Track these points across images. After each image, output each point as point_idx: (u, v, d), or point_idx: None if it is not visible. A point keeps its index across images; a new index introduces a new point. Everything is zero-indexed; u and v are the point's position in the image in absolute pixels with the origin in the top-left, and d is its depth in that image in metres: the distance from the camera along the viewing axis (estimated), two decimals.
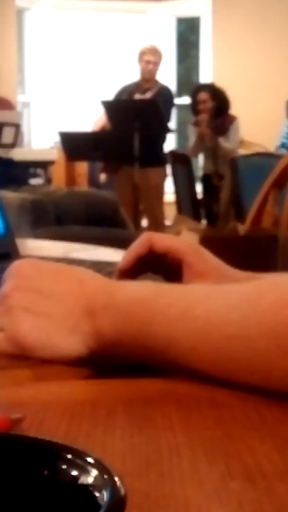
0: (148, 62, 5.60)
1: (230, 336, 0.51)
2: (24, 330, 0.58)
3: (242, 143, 5.91)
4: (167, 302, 0.55)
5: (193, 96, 5.79)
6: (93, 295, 0.58)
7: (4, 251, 0.99)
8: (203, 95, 5.68)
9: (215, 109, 5.62)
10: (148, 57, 5.63)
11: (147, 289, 0.59)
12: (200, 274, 0.72)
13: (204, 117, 5.60)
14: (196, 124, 5.74)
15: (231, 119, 5.74)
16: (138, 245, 0.75)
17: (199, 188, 5.59)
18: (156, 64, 5.66)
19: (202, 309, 0.54)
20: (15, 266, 0.63)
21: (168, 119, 5.31)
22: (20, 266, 0.63)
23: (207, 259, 0.74)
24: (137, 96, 5.54)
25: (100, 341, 0.56)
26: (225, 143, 5.59)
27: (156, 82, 5.68)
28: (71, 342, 0.57)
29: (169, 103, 5.46)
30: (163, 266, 0.76)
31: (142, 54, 5.68)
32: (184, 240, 0.81)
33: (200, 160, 6.01)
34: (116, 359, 0.57)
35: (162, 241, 0.75)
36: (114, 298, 0.58)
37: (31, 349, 0.58)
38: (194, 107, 5.75)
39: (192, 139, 5.78)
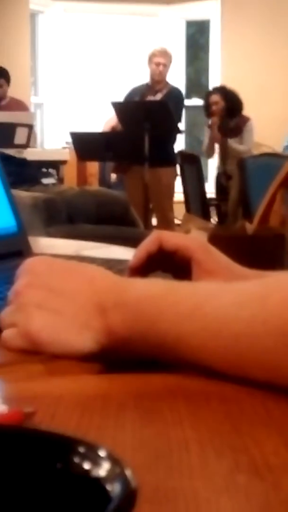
0: (158, 64, 5.60)
1: (238, 333, 0.52)
2: (36, 326, 0.59)
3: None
4: (177, 300, 0.56)
5: (206, 98, 5.81)
6: (104, 292, 0.59)
7: (17, 249, 1.00)
8: (215, 97, 5.69)
9: (227, 110, 5.63)
10: (158, 59, 5.62)
11: (156, 286, 0.59)
12: (209, 272, 0.73)
13: (214, 120, 5.62)
14: (209, 127, 5.76)
15: (245, 120, 5.75)
16: (149, 243, 0.76)
17: (208, 187, 5.59)
18: (166, 66, 5.65)
19: (211, 307, 0.54)
20: (28, 263, 0.63)
21: (178, 120, 5.31)
22: (33, 263, 0.63)
23: (216, 257, 0.75)
24: (148, 98, 5.54)
25: (111, 337, 0.57)
26: (236, 145, 5.59)
27: (166, 83, 5.67)
28: (82, 338, 0.58)
29: (179, 104, 5.46)
30: (172, 264, 0.76)
31: (152, 56, 5.68)
32: (193, 238, 0.81)
33: (214, 161, 6.02)
34: (126, 355, 0.57)
35: (172, 239, 0.75)
36: (124, 296, 0.58)
37: (43, 345, 0.58)
38: (207, 110, 5.76)
39: (206, 140, 5.80)
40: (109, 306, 0.58)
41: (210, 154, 5.90)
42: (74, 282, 0.61)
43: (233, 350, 0.52)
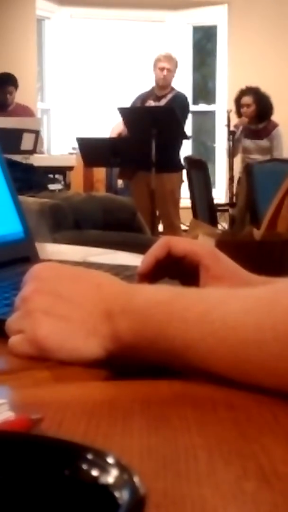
0: (162, 69, 5.61)
1: (246, 339, 0.52)
2: (44, 332, 0.59)
3: None
4: (184, 306, 0.56)
5: (237, 99, 5.81)
6: (111, 299, 0.59)
7: (24, 255, 1.00)
8: (247, 99, 5.69)
9: (257, 114, 5.64)
10: (163, 64, 5.63)
11: (164, 293, 0.59)
12: (217, 278, 0.73)
13: (243, 120, 5.63)
14: (236, 127, 5.77)
15: (274, 125, 5.76)
16: (157, 249, 0.76)
17: (215, 193, 5.60)
18: (171, 71, 5.66)
19: (218, 313, 0.54)
20: (35, 269, 0.63)
21: (183, 125, 5.32)
22: (40, 269, 0.64)
23: (224, 263, 0.75)
24: (153, 103, 5.54)
25: (118, 344, 0.57)
26: (262, 142, 5.61)
27: (172, 89, 5.68)
28: (89, 345, 0.58)
29: (184, 110, 5.47)
30: (180, 271, 0.76)
31: (157, 61, 5.69)
32: (201, 244, 0.82)
33: (221, 166, 6.03)
34: (133, 361, 0.57)
35: (180, 244, 0.76)
36: (132, 302, 0.58)
37: (51, 351, 0.58)
38: (238, 110, 5.77)
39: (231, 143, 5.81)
40: (116, 312, 0.58)
41: (234, 154, 5.90)
42: (81, 289, 0.61)
43: (241, 356, 0.52)
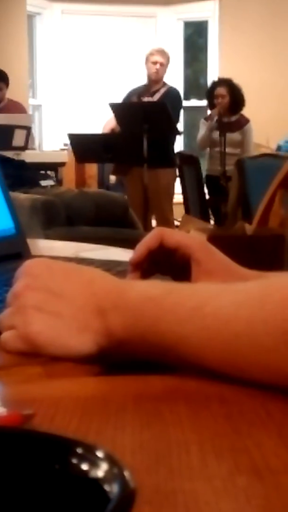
0: (155, 62, 5.60)
1: (238, 333, 0.52)
2: (36, 328, 0.59)
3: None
4: (176, 301, 0.56)
5: (211, 90, 5.79)
6: (103, 294, 0.59)
7: (16, 251, 1.00)
8: (220, 90, 5.68)
9: (230, 105, 5.62)
10: (156, 58, 5.63)
11: (156, 288, 0.59)
12: (208, 272, 0.73)
13: (216, 112, 5.61)
14: (208, 118, 5.75)
15: (246, 120, 5.75)
16: (150, 239, 0.76)
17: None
18: (163, 65, 5.65)
19: (211, 308, 0.54)
20: (27, 265, 0.63)
21: (176, 121, 5.32)
22: (32, 265, 0.63)
23: (217, 257, 0.75)
24: (145, 99, 5.54)
25: (110, 339, 0.57)
26: (234, 135, 5.60)
27: (164, 84, 5.67)
28: (81, 340, 0.58)
29: (177, 105, 5.47)
30: (172, 266, 0.76)
31: (149, 55, 5.69)
32: (194, 237, 0.81)
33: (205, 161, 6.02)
34: (125, 357, 0.57)
35: (173, 236, 0.76)
36: (123, 297, 0.58)
37: (43, 347, 0.58)
38: (211, 101, 5.75)
39: (202, 131, 5.79)
40: (108, 307, 0.58)
41: (205, 146, 5.89)
42: (72, 284, 0.61)
43: (233, 349, 0.52)
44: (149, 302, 0.57)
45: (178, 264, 0.75)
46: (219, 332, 0.53)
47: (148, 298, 0.57)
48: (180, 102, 5.68)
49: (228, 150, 5.48)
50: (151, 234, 0.77)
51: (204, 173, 5.74)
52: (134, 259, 0.76)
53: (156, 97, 5.56)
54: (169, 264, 0.76)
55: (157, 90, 5.60)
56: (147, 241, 0.76)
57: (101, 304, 0.58)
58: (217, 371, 0.53)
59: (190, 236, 0.81)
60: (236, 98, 5.65)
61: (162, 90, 5.60)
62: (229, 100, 5.63)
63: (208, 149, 5.85)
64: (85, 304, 0.59)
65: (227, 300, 0.54)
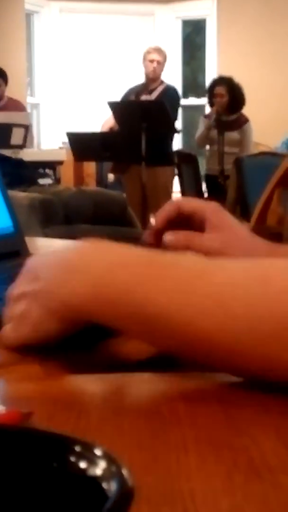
0: (152, 60, 5.60)
1: (234, 315, 0.49)
2: (29, 314, 0.58)
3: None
4: (159, 273, 0.53)
5: (210, 89, 5.78)
6: (78, 257, 0.58)
7: (14, 249, 1.00)
8: (220, 89, 5.67)
9: (229, 105, 5.61)
10: (153, 56, 5.62)
11: (135, 254, 0.57)
12: (216, 228, 0.79)
13: (214, 110, 5.60)
14: (208, 116, 5.74)
15: (245, 120, 5.74)
16: (168, 208, 0.83)
17: (204, 187, 5.60)
18: (161, 63, 5.65)
19: (201, 284, 0.51)
20: (28, 263, 0.63)
21: (174, 119, 5.31)
22: (32, 262, 0.63)
23: (226, 217, 0.82)
24: (143, 97, 5.53)
25: (75, 301, 0.55)
26: (233, 134, 5.59)
27: (162, 82, 5.67)
28: (47, 324, 0.57)
29: (175, 103, 5.46)
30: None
31: (147, 53, 5.68)
32: (208, 203, 0.86)
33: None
34: (96, 321, 0.55)
35: (189, 203, 0.83)
36: (96, 260, 0.56)
37: (27, 335, 0.58)
38: (210, 99, 5.74)
39: (201, 130, 5.78)
40: (77, 266, 0.56)
41: (204, 143, 5.88)
42: (48, 262, 0.60)
43: (228, 330, 0.49)
44: (123, 268, 0.54)
45: (194, 231, 0.80)
46: (211, 311, 0.49)
47: (122, 264, 0.55)
48: (178, 100, 5.68)
49: (227, 149, 5.48)
50: (168, 204, 0.82)
51: (204, 172, 5.74)
52: (154, 228, 0.81)
53: (154, 95, 5.56)
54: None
55: (155, 88, 5.60)
56: (166, 211, 0.82)
57: (67, 265, 0.57)
58: (197, 355, 0.50)
59: (205, 202, 0.87)
60: (235, 97, 5.63)
61: (160, 88, 5.59)
62: (228, 99, 5.61)
63: (208, 147, 5.85)
64: (52, 272, 0.58)
65: (221, 279, 0.51)
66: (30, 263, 0.62)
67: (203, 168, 5.84)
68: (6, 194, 1.05)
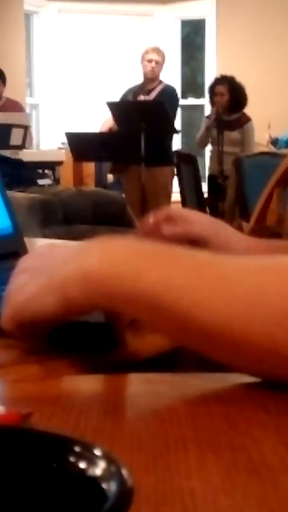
0: (150, 60, 5.60)
1: (246, 298, 0.49)
2: (16, 289, 0.58)
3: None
4: (172, 256, 0.54)
5: (211, 88, 5.77)
6: (86, 244, 0.58)
7: (13, 250, 1.00)
8: (220, 88, 5.66)
9: (230, 104, 5.60)
10: (151, 56, 5.62)
11: (143, 244, 0.57)
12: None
13: (214, 111, 5.60)
14: (209, 116, 5.74)
15: (247, 119, 5.73)
16: (158, 214, 0.91)
17: (204, 187, 5.59)
18: (159, 63, 5.65)
19: (214, 269, 0.51)
20: (23, 260, 0.63)
21: (173, 118, 5.31)
22: (28, 258, 0.63)
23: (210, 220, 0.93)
24: (142, 97, 5.54)
25: (83, 281, 0.53)
26: (234, 134, 5.58)
27: (160, 82, 5.67)
28: (46, 301, 0.55)
29: (174, 103, 5.46)
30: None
31: (145, 53, 5.69)
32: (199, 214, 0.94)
33: (206, 160, 6.00)
34: (103, 305, 0.55)
35: (178, 209, 0.93)
36: (106, 245, 0.56)
37: (19, 309, 0.57)
38: (211, 99, 5.73)
39: (202, 130, 5.78)
40: (85, 249, 0.56)
41: (204, 144, 5.88)
42: (60, 252, 0.60)
43: (238, 311, 0.49)
44: (140, 250, 0.55)
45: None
46: (221, 293, 0.49)
47: (139, 246, 0.55)
48: (177, 100, 5.68)
49: (228, 149, 5.47)
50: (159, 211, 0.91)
51: (207, 172, 5.74)
52: (142, 227, 0.90)
53: (152, 96, 5.56)
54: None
55: (153, 88, 5.60)
56: (154, 213, 0.91)
57: (80, 246, 0.57)
58: (201, 340, 0.50)
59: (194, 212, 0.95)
60: (236, 96, 5.62)
61: (159, 88, 5.59)
62: (228, 99, 5.60)
63: (210, 148, 5.84)
64: (63, 253, 0.58)
65: (233, 265, 0.52)
66: (42, 248, 0.62)
67: (202, 169, 5.83)
68: (6, 194, 1.05)
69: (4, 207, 1.04)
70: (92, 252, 0.55)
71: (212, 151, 5.81)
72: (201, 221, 0.89)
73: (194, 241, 0.88)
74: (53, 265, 0.57)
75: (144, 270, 0.52)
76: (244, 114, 5.76)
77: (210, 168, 5.84)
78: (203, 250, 0.57)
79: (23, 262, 0.61)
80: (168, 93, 5.54)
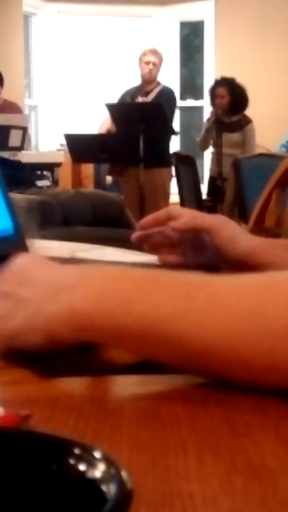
0: (148, 62, 5.60)
1: (239, 318, 0.48)
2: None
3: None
4: (159, 282, 0.53)
5: (212, 90, 5.77)
6: (68, 273, 0.57)
7: (13, 252, 0.99)
8: (221, 90, 5.65)
9: (230, 106, 5.59)
10: (149, 58, 5.63)
11: (132, 270, 0.57)
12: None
13: (213, 112, 5.60)
14: (209, 119, 5.74)
15: (248, 120, 5.73)
16: (159, 212, 0.91)
17: (203, 189, 5.59)
18: (156, 65, 5.65)
19: (205, 292, 0.51)
20: (11, 265, 0.61)
21: (171, 120, 5.31)
22: (15, 263, 0.62)
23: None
24: (140, 99, 5.54)
25: (72, 318, 0.53)
26: (234, 135, 5.58)
27: (158, 83, 5.67)
28: (32, 333, 0.55)
29: (172, 104, 5.46)
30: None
31: (143, 55, 5.69)
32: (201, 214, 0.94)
33: (205, 162, 6.00)
34: (94, 338, 0.54)
35: (178, 208, 0.92)
36: (91, 275, 0.55)
37: (7, 337, 0.56)
38: (212, 101, 5.73)
39: (203, 132, 5.78)
40: (71, 283, 0.55)
41: (204, 146, 5.88)
42: (41, 272, 0.58)
43: (232, 334, 0.49)
44: (123, 280, 0.54)
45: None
46: (217, 314, 0.49)
47: (122, 277, 0.55)
48: (175, 101, 5.68)
49: (229, 150, 5.47)
50: (161, 210, 0.91)
51: (208, 174, 5.74)
52: (141, 223, 0.90)
53: (150, 97, 5.56)
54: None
55: (151, 90, 5.60)
56: (156, 213, 0.91)
57: (60, 285, 0.55)
58: (202, 362, 0.50)
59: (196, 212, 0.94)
60: (237, 98, 5.62)
61: (156, 90, 5.60)
62: (229, 100, 5.60)
63: (212, 149, 5.84)
64: (44, 286, 0.56)
65: (224, 285, 0.52)
66: (20, 263, 0.61)
67: (201, 170, 5.83)
68: (7, 196, 1.04)
69: (5, 208, 1.04)
70: (76, 289, 0.54)
71: (213, 153, 5.81)
72: (204, 215, 0.90)
73: (200, 243, 0.88)
74: (36, 299, 0.55)
75: (131, 303, 0.52)
76: (245, 116, 5.75)
77: (211, 170, 5.83)
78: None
79: (3, 283, 0.59)
80: (166, 95, 5.54)
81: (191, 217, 0.89)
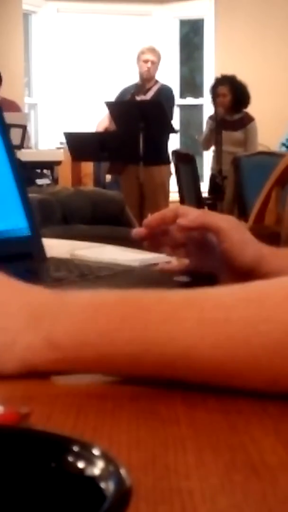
0: (146, 61, 5.60)
1: (232, 335, 0.48)
2: None
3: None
4: (141, 306, 0.51)
5: (213, 88, 5.76)
6: (39, 302, 0.53)
7: (25, 252, 0.97)
8: (222, 89, 5.64)
9: (232, 104, 5.58)
10: (147, 56, 5.63)
11: (111, 294, 0.53)
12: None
13: (219, 110, 5.59)
14: (212, 117, 5.73)
15: (250, 118, 5.72)
16: (166, 210, 0.85)
17: (203, 187, 5.59)
18: (155, 63, 5.65)
19: (191, 312, 0.50)
20: None
21: (170, 118, 5.32)
22: None
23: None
24: (138, 97, 5.54)
25: (52, 351, 0.51)
26: (236, 134, 5.57)
27: (156, 81, 5.67)
28: (5, 358, 0.52)
29: (170, 102, 5.46)
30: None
31: (141, 53, 5.69)
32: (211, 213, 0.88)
33: (209, 160, 6.00)
34: (76, 371, 0.52)
35: (184, 207, 0.84)
36: (66, 304, 0.52)
37: None
38: (214, 100, 5.72)
39: (205, 131, 5.77)
40: (46, 315, 0.52)
41: (207, 145, 5.88)
42: (4, 294, 0.54)
43: (227, 351, 0.48)
44: (102, 309, 0.51)
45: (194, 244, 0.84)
46: (208, 335, 0.48)
47: (100, 305, 0.52)
48: (173, 99, 5.68)
49: (231, 149, 5.46)
50: (168, 207, 0.87)
51: (209, 171, 5.73)
52: (147, 221, 0.83)
53: (149, 95, 5.56)
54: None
55: (150, 88, 5.60)
56: (163, 211, 0.84)
57: (36, 313, 0.52)
58: (203, 377, 0.49)
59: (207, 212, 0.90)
60: (238, 96, 5.61)
61: (155, 88, 5.60)
62: (231, 99, 5.59)
63: (213, 148, 5.83)
64: (16, 313, 0.52)
65: (209, 304, 0.50)
66: None
67: (201, 168, 5.83)
68: (26, 196, 1.03)
69: (22, 208, 1.02)
70: (56, 321, 0.51)
71: (215, 151, 5.81)
72: (215, 214, 0.84)
73: (206, 246, 0.83)
74: (11, 326, 0.52)
75: (114, 331, 0.50)
76: (247, 114, 5.75)
77: (212, 168, 5.83)
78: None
79: None
80: (165, 93, 5.55)
81: (200, 214, 0.83)
